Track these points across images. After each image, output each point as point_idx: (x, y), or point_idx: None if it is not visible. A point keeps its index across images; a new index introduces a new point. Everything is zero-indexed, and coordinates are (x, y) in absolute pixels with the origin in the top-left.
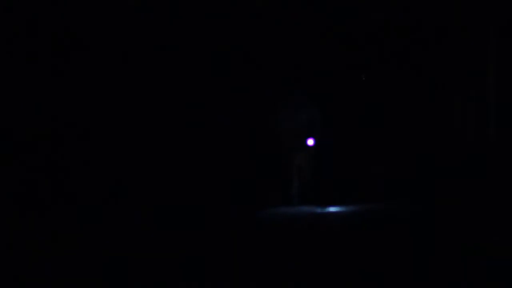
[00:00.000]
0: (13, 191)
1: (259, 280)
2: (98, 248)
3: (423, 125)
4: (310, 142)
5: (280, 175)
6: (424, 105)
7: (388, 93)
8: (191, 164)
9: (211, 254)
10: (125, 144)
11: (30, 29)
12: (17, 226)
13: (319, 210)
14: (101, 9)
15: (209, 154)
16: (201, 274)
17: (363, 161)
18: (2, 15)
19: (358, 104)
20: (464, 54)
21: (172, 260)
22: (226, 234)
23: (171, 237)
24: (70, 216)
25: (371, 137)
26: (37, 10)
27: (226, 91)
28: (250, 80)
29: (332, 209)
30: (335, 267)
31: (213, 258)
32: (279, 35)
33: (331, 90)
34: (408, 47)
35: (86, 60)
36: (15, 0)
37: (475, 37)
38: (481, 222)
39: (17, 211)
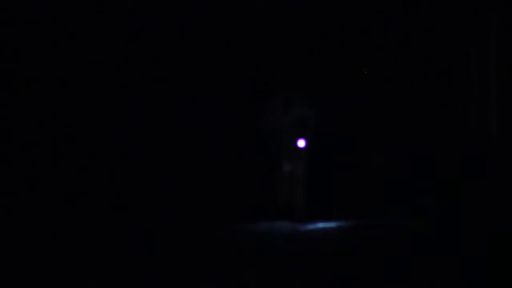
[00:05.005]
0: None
1: None
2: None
3: (424, 125)
4: (301, 143)
5: (264, 183)
6: (425, 104)
7: (386, 90)
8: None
9: None
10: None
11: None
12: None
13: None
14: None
15: (181, 156)
16: None
17: (358, 163)
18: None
19: (352, 103)
20: (465, 51)
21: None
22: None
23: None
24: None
25: (367, 137)
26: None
27: (205, 87)
28: (232, 75)
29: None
30: None
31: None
32: (265, 24)
33: (324, 86)
34: (407, 43)
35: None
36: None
37: (476, 33)
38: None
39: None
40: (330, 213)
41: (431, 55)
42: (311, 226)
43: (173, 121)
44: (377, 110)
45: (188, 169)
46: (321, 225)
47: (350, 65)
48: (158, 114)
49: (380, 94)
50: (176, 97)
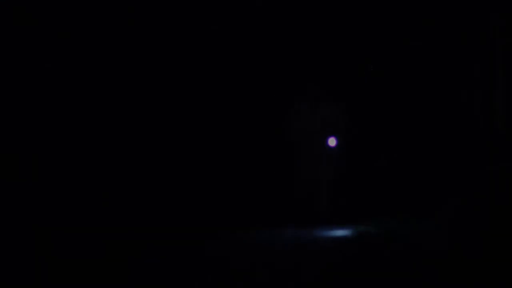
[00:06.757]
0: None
1: None
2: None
3: (434, 120)
4: (332, 142)
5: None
6: (432, 100)
7: (397, 88)
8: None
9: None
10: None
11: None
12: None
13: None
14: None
15: (201, 159)
16: None
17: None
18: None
19: (364, 102)
20: (470, 45)
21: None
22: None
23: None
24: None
25: (380, 135)
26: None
27: (226, 85)
28: (257, 74)
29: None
30: None
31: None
32: (292, 24)
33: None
34: (415, 40)
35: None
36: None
37: (480, 29)
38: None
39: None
40: (352, 217)
41: (433, 55)
42: (333, 231)
43: (194, 124)
44: (388, 107)
45: (191, 171)
46: (341, 231)
47: (359, 61)
48: (171, 115)
49: (387, 93)
50: (195, 96)
